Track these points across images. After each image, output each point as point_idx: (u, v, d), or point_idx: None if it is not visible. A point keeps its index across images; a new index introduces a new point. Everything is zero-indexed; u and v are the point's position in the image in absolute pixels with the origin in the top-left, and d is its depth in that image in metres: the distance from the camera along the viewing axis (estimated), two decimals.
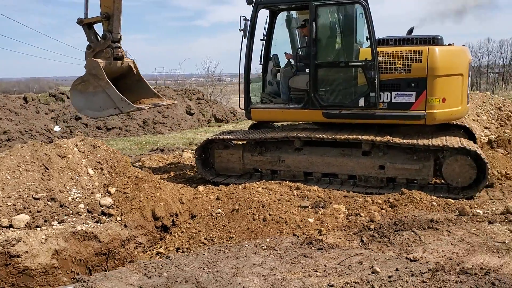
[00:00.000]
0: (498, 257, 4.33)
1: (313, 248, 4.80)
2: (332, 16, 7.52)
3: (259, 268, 4.28)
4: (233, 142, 7.86)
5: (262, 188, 6.92)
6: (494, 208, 6.10)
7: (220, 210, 6.69)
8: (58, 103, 16.73)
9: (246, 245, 4.92)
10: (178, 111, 18.69)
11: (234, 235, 6.08)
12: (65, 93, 17.31)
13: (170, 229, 6.82)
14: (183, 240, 6.50)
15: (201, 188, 7.61)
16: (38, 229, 6.13)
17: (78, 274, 6.09)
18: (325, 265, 4.29)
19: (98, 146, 8.01)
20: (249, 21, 7.59)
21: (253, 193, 6.76)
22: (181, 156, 10.83)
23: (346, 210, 6.34)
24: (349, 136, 6.98)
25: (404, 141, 6.80)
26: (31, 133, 15.00)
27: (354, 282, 3.83)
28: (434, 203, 6.21)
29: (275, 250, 4.77)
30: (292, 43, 8.41)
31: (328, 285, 3.78)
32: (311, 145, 7.42)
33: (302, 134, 7.25)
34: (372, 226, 5.47)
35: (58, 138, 15.25)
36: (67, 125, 16.00)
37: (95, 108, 7.94)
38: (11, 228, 6.10)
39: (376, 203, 6.42)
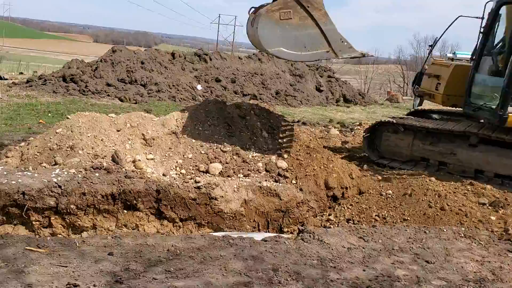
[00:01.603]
0: None
1: None
2: None
3: (468, 253, 4.50)
4: (403, 128, 7.97)
5: (435, 178, 7.05)
6: None
7: (390, 192, 6.94)
8: (202, 63, 17.82)
9: (444, 230, 5.14)
10: (308, 86, 19.05)
11: (408, 218, 6.32)
12: (208, 54, 18.38)
13: (339, 200, 7.23)
14: (353, 213, 6.85)
15: (365, 167, 7.90)
16: (229, 178, 6.85)
17: (258, 225, 6.76)
18: None
19: (271, 112, 8.60)
20: (489, 16, 7.23)
21: (426, 181, 6.92)
22: (328, 132, 11.17)
23: None
24: None
25: None
26: (177, 88, 16.19)
27: None
28: None
29: (474, 239, 4.94)
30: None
31: None
32: (487, 143, 7.35)
33: (483, 131, 7.20)
34: None
35: (201, 97, 16.36)
36: (208, 85, 17.04)
37: (295, 47, 6.16)
38: (207, 174, 6.88)
39: None
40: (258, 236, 4.72)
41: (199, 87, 16.77)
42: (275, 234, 4.64)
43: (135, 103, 14.42)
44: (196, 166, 6.97)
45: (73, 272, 3.30)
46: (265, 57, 19.33)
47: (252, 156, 7.47)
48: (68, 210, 5.69)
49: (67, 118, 7.18)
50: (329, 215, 7.01)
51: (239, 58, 18.95)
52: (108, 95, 14.58)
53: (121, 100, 14.43)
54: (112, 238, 4.05)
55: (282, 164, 7.38)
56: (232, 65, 18.30)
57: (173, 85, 16.24)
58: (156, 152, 7.14)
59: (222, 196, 6.41)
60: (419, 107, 10.48)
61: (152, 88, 15.67)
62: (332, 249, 4.22)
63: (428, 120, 8.23)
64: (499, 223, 5.88)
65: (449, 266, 4.10)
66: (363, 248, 4.34)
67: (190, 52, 19.02)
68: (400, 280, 3.72)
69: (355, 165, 8.00)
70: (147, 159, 6.96)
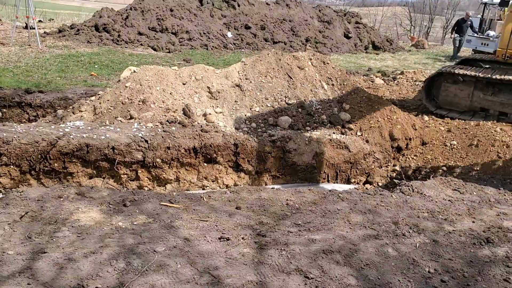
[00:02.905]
0: None
1: None
2: None
3: None
4: (464, 78, 7.96)
5: (499, 129, 7.14)
6: None
7: (455, 142, 7.06)
8: (230, 9, 17.46)
9: None
10: (336, 32, 18.74)
11: (478, 168, 6.48)
12: (236, 0, 17.95)
13: (403, 150, 7.38)
14: (419, 163, 7.01)
15: (426, 117, 7.99)
16: (298, 131, 6.97)
17: (328, 176, 6.95)
18: None
19: (328, 63, 8.58)
20: None
21: (492, 132, 7.02)
22: (373, 81, 11.15)
23: None
24: None
25: None
26: (208, 36, 16.00)
27: None
28: None
29: None
30: None
31: None
32: None
33: None
34: None
35: (232, 44, 16.19)
36: (238, 33, 16.79)
37: None
38: (277, 127, 7.00)
39: None
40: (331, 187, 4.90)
41: (229, 34, 16.55)
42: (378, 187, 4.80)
43: (168, 52, 14.33)
44: (265, 119, 7.08)
45: (216, 226, 3.50)
46: (293, 3, 18.92)
47: (316, 109, 7.56)
48: (154, 164, 5.88)
49: (134, 72, 7.22)
50: (394, 165, 7.18)
51: (267, 3, 18.55)
52: (141, 44, 14.48)
53: (154, 49, 14.33)
54: (231, 193, 4.23)
55: (346, 116, 7.47)
56: (260, 11, 17.94)
57: (204, 33, 16.04)
58: (223, 105, 7.23)
59: (295, 149, 6.56)
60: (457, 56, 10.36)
61: (183, 36, 15.50)
62: (436, 201, 4.41)
63: (488, 70, 8.19)
64: None
65: None
66: (463, 200, 4.52)
67: None
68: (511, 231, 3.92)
69: (414, 116, 8.09)
70: (216, 112, 7.06)
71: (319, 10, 19.21)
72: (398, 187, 4.78)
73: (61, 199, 3.64)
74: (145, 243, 3.10)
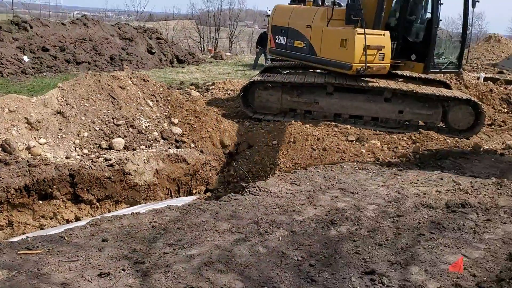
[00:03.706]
0: None
1: (394, 169, 6.31)
2: None
3: (373, 181, 5.67)
4: (273, 84, 8.87)
5: (308, 125, 8.21)
6: (492, 146, 8.10)
7: (275, 142, 7.88)
8: (22, 32, 15.88)
9: (344, 166, 6.27)
10: (140, 49, 18.68)
11: (299, 161, 7.36)
12: (27, 21, 16.44)
13: (234, 155, 7.89)
14: (250, 165, 7.61)
15: (247, 123, 8.69)
16: (134, 151, 6.88)
17: (170, 191, 7.02)
18: (417, 180, 5.81)
19: (148, 80, 8.64)
20: None
21: (303, 129, 8.04)
22: (189, 95, 11.55)
23: (380, 144, 7.89)
24: (380, 85, 8.47)
25: (423, 91, 8.45)
26: (1, 62, 14.33)
27: (446, 190, 5.39)
28: (448, 140, 8.01)
29: (367, 170, 6.18)
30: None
31: (436, 191, 5.32)
32: (340, 91, 8.78)
33: (339, 81, 8.57)
34: (417, 156, 7.10)
35: (30, 69, 14.84)
36: (35, 56, 15.43)
37: None
38: (111, 150, 6.79)
39: (402, 139, 8.06)
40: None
41: (25, 58, 15.12)
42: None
43: None
44: (96, 143, 6.81)
45: (89, 263, 3.32)
46: (90, 22, 18.22)
47: (146, 126, 7.57)
48: None
49: None
50: (229, 170, 7.65)
51: (63, 24, 17.48)
52: None
53: None
54: (91, 226, 4.02)
55: (177, 130, 7.68)
56: (56, 32, 16.79)
57: None
58: (47, 135, 6.71)
59: (135, 170, 6.49)
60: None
61: None
62: (281, 196, 4.92)
63: (291, 75, 9.31)
64: (369, 154, 7.33)
65: (369, 193, 5.19)
66: (301, 191, 5.15)
67: (4, 20, 16.73)
68: (346, 210, 4.64)
69: (237, 122, 8.73)
70: (40, 143, 6.53)
71: (119, 28, 18.89)
72: (246, 189, 5.18)
73: None
74: None
